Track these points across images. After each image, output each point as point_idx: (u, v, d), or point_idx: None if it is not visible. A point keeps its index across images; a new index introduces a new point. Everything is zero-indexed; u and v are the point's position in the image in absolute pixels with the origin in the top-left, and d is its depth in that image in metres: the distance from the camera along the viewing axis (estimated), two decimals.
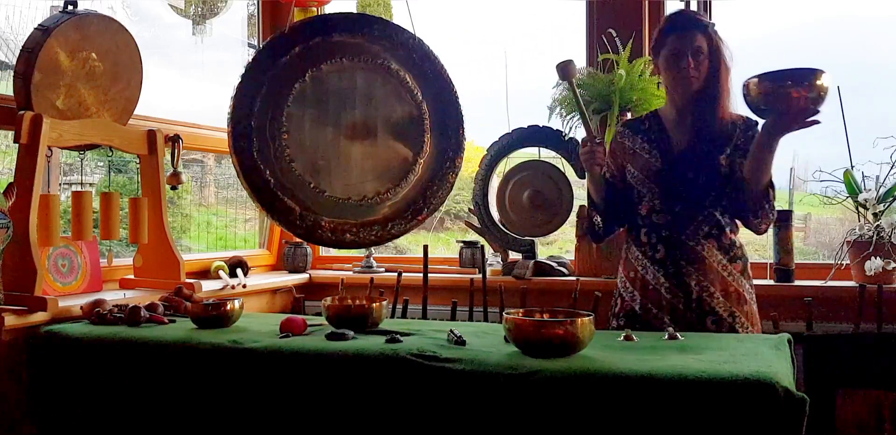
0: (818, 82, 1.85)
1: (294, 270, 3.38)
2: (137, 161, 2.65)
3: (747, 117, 2.23)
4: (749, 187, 2.11)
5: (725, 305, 2.18)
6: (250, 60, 2.67)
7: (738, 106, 2.21)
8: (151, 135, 2.59)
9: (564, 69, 2.27)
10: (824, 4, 3.49)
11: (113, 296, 2.43)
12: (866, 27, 3.51)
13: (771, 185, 2.11)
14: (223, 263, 3.04)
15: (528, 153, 3.16)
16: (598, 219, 2.36)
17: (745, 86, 1.97)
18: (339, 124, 2.74)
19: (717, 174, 2.18)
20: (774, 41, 3.83)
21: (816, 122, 1.94)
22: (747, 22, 3.39)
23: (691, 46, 2.17)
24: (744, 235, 2.30)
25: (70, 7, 2.34)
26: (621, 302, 2.34)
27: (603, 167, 2.28)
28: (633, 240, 2.31)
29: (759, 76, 1.94)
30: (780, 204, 2.96)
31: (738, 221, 2.25)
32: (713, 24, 2.22)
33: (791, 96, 1.85)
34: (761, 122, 2.10)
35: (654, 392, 1.52)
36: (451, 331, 1.90)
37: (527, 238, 3.08)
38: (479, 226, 3.16)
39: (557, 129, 3.01)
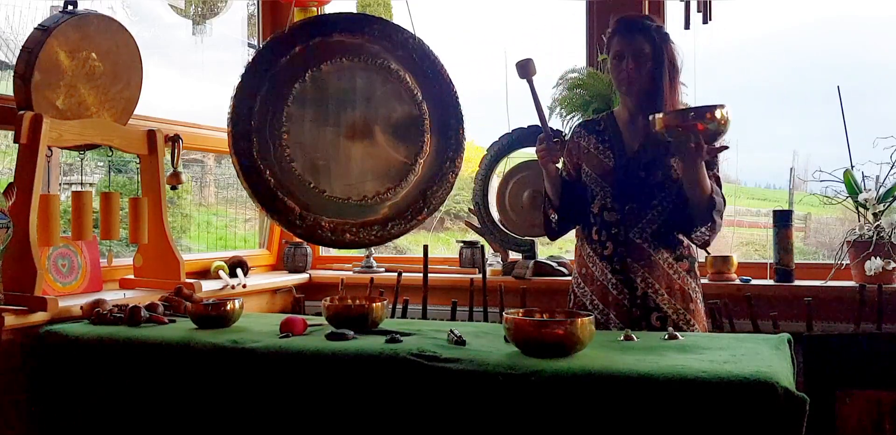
0: (718, 115, 1.97)
1: (294, 270, 3.38)
2: (137, 161, 2.65)
3: None
4: (691, 203, 2.16)
5: (670, 303, 2.23)
6: (250, 60, 2.67)
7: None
8: (151, 135, 2.59)
9: (524, 67, 2.31)
10: (824, 4, 3.49)
11: (113, 296, 2.43)
12: (866, 27, 3.51)
13: (712, 200, 2.14)
14: (223, 263, 3.04)
15: (528, 153, 3.16)
16: (555, 216, 2.41)
17: (651, 120, 2.06)
18: (339, 124, 2.74)
19: (667, 175, 2.23)
20: (774, 41, 3.83)
21: (724, 148, 2.08)
22: (747, 22, 3.39)
23: (632, 49, 2.23)
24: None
25: (70, 7, 2.34)
26: (574, 298, 2.39)
27: (559, 165, 2.34)
28: (586, 237, 2.36)
29: (664, 112, 2.06)
30: (780, 204, 2.97)
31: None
32: (661, 28, 2.27)
33: (695, 128, 1.98)
34: None
35: (654, 392, 1.52)
36: (451, 331, 1.90)
37: (527, 238, 3.08)
38: (479, 226, 3.16)
39: (557, 129, 3.01)
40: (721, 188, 2.22)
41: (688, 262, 2.27)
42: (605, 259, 2.28)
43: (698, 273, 2.33)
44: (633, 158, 2.27)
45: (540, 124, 2.36)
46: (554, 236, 2.51)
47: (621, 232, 2.26)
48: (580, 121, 2.62)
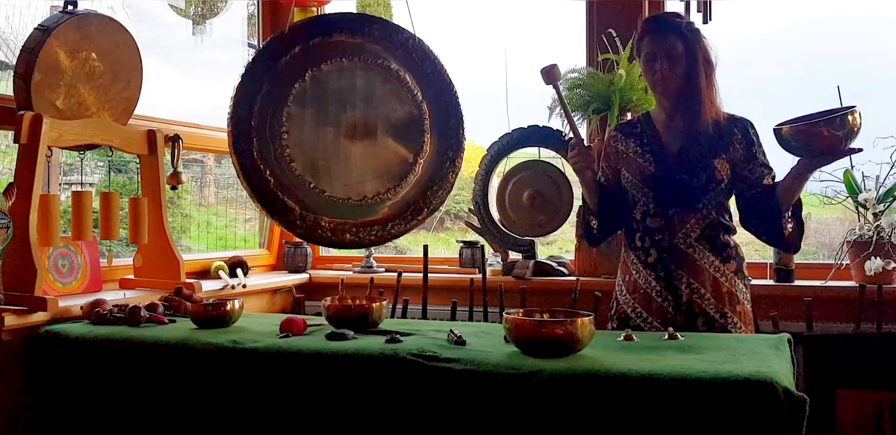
0: (849, 119, 1.94)
1: (294, 270, 3.38)
2: (137, 161, 2.65)
3: (739, 117, 2.26)
4: (782, 207, 2.16)
5: (717, 306, 2.18)
6: (250, 60, 2.67)
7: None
8: (151, 135, 2.59)
9: (549, 73, 2.29)
10: (824, 5, 3.49)
11: (113, 296, 2.43)
12: (866, 27, 3.51)
13: (799, 202, 2.18)
14: (223, 263, 3.04)
15: (528, 153, 3.16)
16: (595, 222, 2.36)
17: (778, 131, 2.05)
18: (339, 124, 2.74)
19: (711, 177, 2.19)
20: (774, 41, 3.83)
21: (855, 150, 2.03)
22: (747, 22, 3.39)
23: (665, 48, 2.19)
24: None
25: (70, 7, 2.33)
26: (616, 305, 2.36)
27: (594, 171, 2.30)
28: (629, 244, 2.32)
29: (791, 124, 2.03)
30: None
31: (733, 222, 2.28)
32: (691, 24, 2.24)
33: (823, 135, 1.95)
34: (753, 122, 2.23)
35: (654, 392, 1.52)
36: (451, 331, 1.90)
37: (527, 238, 3.08)
38: (479, 226, 3.15)
39: (557, 129, 3.01)
40: None
41: (735, 263, 2.23)
42: (650, 266, 2.24)
43: (746, 273, 2.29)
44: (675, 162, 2.22)
45: (570, 130, 2.31)
46: (596, 243, 2.44)
47: (665, 238, 2.22)
48: (616, 125, 2.59)
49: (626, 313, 2.28)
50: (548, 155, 3.11)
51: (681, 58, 2.18)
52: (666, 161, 2.24)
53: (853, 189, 2.73)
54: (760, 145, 2.22)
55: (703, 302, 2.19)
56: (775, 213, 2.17)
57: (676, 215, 2.21)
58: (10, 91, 2.26)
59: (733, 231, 2.26)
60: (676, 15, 2.31)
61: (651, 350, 1.77)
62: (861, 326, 2.57)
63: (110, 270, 2.64)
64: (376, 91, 2.76)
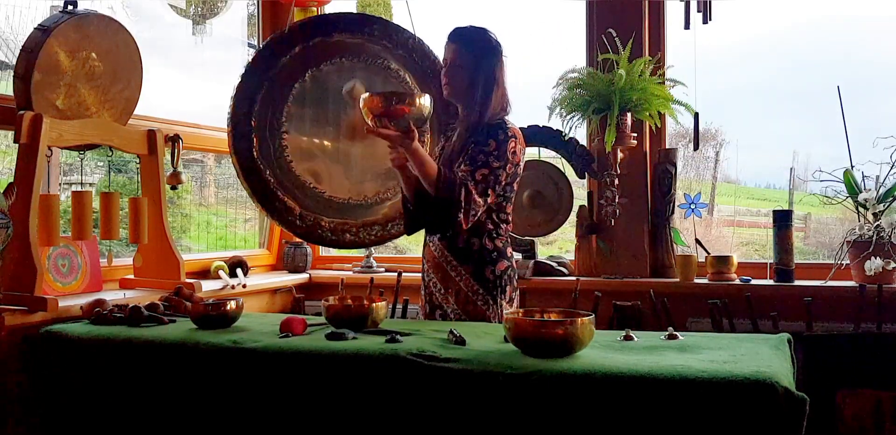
0: (418, 102, 2.11)
1: (294, 270, 3.38)
2: (137, 161, 2.65)
3: (495, 124, 2.27)
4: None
5: (450, 302, 2.29)
6: (250, 60, 2.67)
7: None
8: (151, 135, 2.59)
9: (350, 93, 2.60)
10: (824, 4, 3.49)
11: (113, 296, 2.43)
12: (866, 27, 3.52)
13: (438, 187, 2.16)
14: (223, 263, 3.04)
15: (529, 153, 3.15)
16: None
17: (361, 100, 2.15)
18: (339, 124, 2.74)
19: None
20: (774, 41, 3.83)
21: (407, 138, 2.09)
22: (747, 22, 3.39)
23: (446, 57, 2.32)
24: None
25: (70, 7, 2.34)
26: None
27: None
28: None
29: (371, 93, 2.16)
30: (780, 204, 2.97)
31: (491, 228, 2.31)
32: (478, 38, 2.30)
33: (401, 112, 2.08)
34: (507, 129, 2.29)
35: (653, 392, 1.52)
36: (451, 331, 1.90)
37: (527, 238, 3.08)
38: None
39: (557, 129, 3.01)
40: (479, 187, 2.20)
41: (473, 265, 2.27)
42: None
43: (495, 277, 2.28)
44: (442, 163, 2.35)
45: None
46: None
47: (425, 233, 2.40)
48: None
49: None
50: (548, 155, 3.11)
51: (457, 68, 2.28)
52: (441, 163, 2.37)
53: (853, 189, 2.73)
54: (484, 144, 2.22)
55: (440, 297, 2.32)
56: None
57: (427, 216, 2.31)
58: (10, 91, 2.26)
59: (481, 235, 2.28)
60: (477, 28, 2.34)
61: (650, 350, 1.77)
62: (861, 326, 2.57)
63: (110, 270, 2.64)
64: None
